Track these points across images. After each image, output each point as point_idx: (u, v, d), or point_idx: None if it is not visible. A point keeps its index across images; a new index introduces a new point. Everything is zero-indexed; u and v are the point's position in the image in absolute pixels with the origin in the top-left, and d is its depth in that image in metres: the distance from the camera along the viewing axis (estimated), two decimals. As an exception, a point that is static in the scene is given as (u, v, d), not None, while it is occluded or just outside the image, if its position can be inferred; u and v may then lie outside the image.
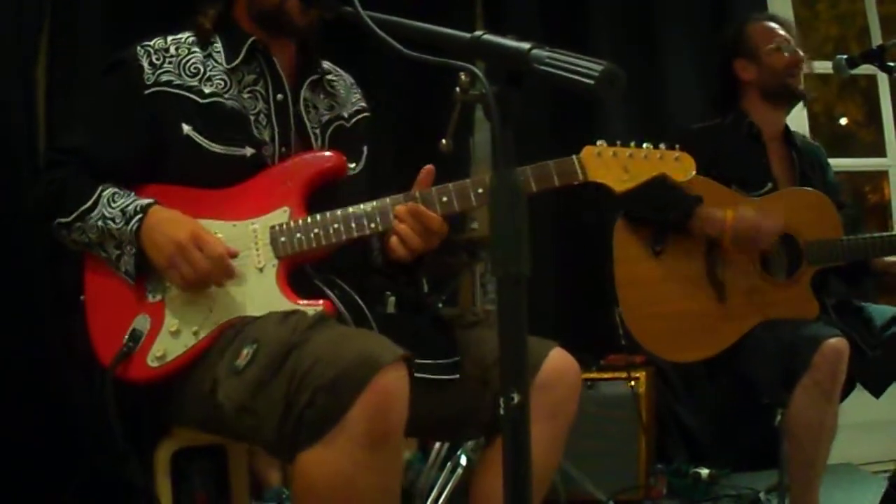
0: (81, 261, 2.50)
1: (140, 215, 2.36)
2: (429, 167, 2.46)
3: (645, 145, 2.51)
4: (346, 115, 2.77)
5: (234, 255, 2.37)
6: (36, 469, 3.83)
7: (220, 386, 2.22)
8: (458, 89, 1.62)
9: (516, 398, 1.47)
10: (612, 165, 2.46)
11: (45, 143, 4.07)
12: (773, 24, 3.88)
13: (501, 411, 1.49)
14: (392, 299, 2.62)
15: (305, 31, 2.58)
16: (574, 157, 2.46)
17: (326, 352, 2.06)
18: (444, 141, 2.07)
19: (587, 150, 2.46)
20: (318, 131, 2.66)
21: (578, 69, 1.39)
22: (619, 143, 2.49)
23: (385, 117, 3.43)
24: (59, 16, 4.23)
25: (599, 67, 1.39)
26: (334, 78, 2.81)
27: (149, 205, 2.38)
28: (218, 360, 2.27)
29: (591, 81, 1.37)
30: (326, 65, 2.80)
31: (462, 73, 1.60)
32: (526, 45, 1.49)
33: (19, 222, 3.56)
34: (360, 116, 2.83)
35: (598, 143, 2.48)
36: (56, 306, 3.87)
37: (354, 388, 1.99)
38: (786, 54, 3.80)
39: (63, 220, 2.41)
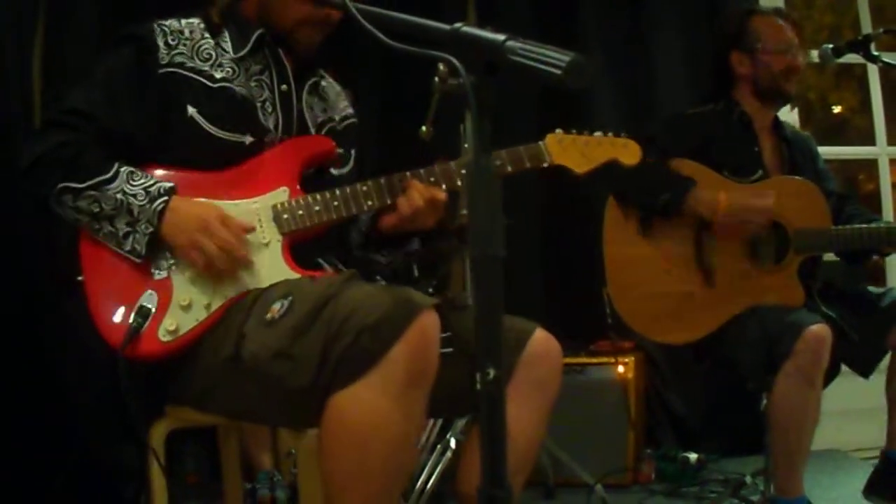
0: (76, 242, 2.49)
1: (165, 197, 2.40)
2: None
3: (596, 133, 2.80)
4: (336, 118, 2.85)
5: (250, 230, 2.46)
6: (29, 451, 3.85)
7: (249, 341, 2.27)
8: (437, 79, 1.67)
9: (492, 373, 1.52)
10: (572, 150, 2.75)
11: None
12: (779, 22, 3.84)
13: (478, 386, 1.55)
14: (382, 282, 2.69)
15: (305, 52, 2.69)
16: (541, 143, 2.71)
17: (365, 300, 2.16)
18: (423, 128, 2.13)
19: (550, 138, 2.73)
20: (313, 130, 2.74)
21: (548, 60, 1.44)
22: (574, 130, 2.77)
23: (371, 101, 3.46)
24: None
25: (567, 58, 1.44)
26: (325, 84, 2.88)
27: (172, 188, 2.42)
28: (237, 323, 2.32)
29: (560, 71, 1.43)
30: (321, 70, 2.87)
31: (441, 64, 1.65)
32: (501, 37, 1.54)
33: (12, 203, 3.55)
34: (347, 122, 2.90)
35: (557, 131, 2.75)
36: (50, 288, 3.88)
37: (398, 328, 2.09)
38: (787, 58, 3.78)
39: (74, 185, 2.40)
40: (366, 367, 2.08)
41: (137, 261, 2.41)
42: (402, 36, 1.76)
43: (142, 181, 2.42)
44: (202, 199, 2.47)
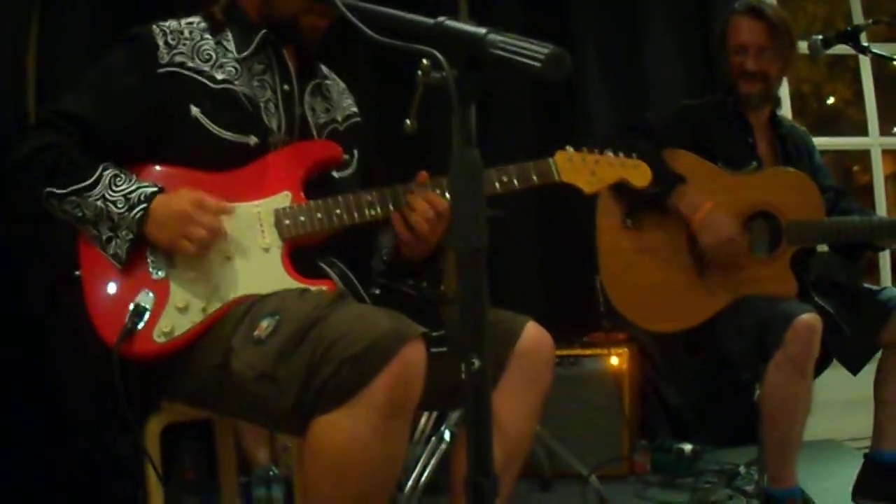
0: (75, 237, 2.50)
1: (144, 204, 2.39)
2: (422, 175, 2.59)
3: (607, 152, 2.80)
4: (339, 118, 2.84)
5: (228, 210, 2.46)
6: (27, 447, 3.86)
7: (235, 356, 2.27)
8: (420, 73, 1.69)
9: (477, 363, 1.54)
10: (581, 169, 2.75)
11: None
12: (745, 21, 3.79)
13: (462, 376, 1.57)
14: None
15: (310, 42, 2.69)
16: (550, 160, 2.70)
17: (351, 326, 2.14)
18: (407, 122, 2.14)
19: (559, 155, 2.72)
20: (315, 133, 2.73)
21: (527, 52, 1.46)
22: (584, 148, 2.77)
23: (368, 101, 3.48)
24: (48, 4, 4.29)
25: (546, 50, 1.46)
26: (329, 82, 2.88)
27: (153, 193, 2.41)
28: (228, 332, 2.33)
29: (538, 64, 1.45)
30: (323, 69, 2.88)
31: (423, 58, 1.66)
32: (482, 30, 1.55)
33: (8, 197, 3.56)
34: (351, 121, 2.90)
35: (567, 148, 2.74)
36: (45, 282, 3.89)
37: (381, 360, 2.07)
38: (738, 58, 3.79)
39: (56, 190, 2.42)
40: (347, 396, 2.08)
41: (119, 266, 2.42)
42: (387, 30, 1.77)
43: (123, 186, 2.42)
44: (180, 190, 2.45)
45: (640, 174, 2.83)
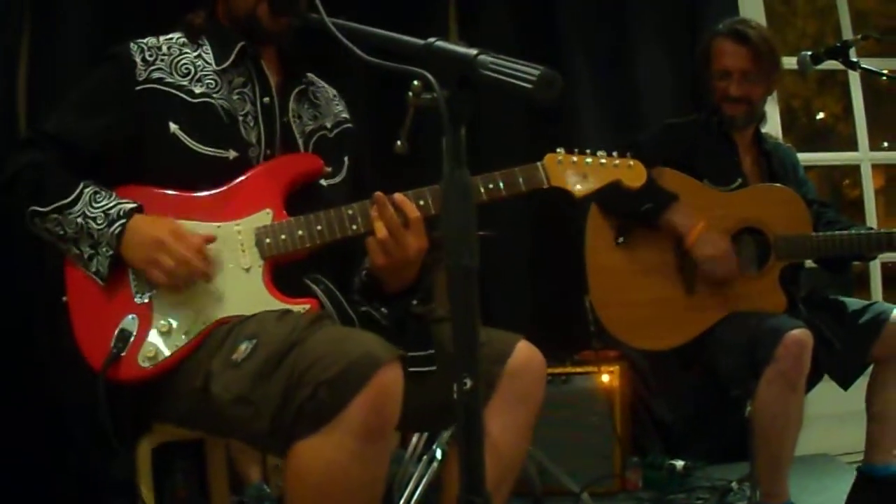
0: (62, 262, 2.50)
1: (123, 220, 2.39)
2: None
3: (600, 153, 2.67)
4: (328, 125, 2.81)
5: (210, 241, 2.43)
6: (22, 465, 3.86)
7: (214, 379, 2.27)
8: (410, 94, 1.69)
9: (469, 382, 1.54)
10: (572, 172, 2.61)
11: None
12: (729, 46, 3.80)
13: (455, 395, 1.57)
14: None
15: (277, 36, 2.65)
16: (538, 164, 2.59)
17: (328, 350, 2.12)
18: (398, 143, 2.13)
19: (549, 158, 2.60)
20: (301, 141, 2.71)
21: (519, 74, 1.47)
22: (576, 150, 2.64)
23: (361, 120, 3.48)
24: (40, 14, 4.29)
25: (537, 72, 1.47)
26: (317, 88, 2.86)
27: (132, 209, 2.41)
28: (209, 356, 2.32)
29: (530, 85, 1.45)
30: (310, 76, 2.86)
31: (414, 79, 1.67)
32: (473, 51, 1.56)
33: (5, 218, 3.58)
34: (342, 128, 2.87)
35: (558, 150, 2.61)
36: (43, 301, 3.89)
37: (356, 384, 2.06)
38: (721, 83, 3.80)
39: (39, 208, 2.43)
40: (324, 420, 2.07)
41: (102, 283, 2.42)
42: (378, 51, 1.78)
43: (103, 203, 2.43)
44: (163, 217, 2.44)
45: (634, 174, 2.70)
